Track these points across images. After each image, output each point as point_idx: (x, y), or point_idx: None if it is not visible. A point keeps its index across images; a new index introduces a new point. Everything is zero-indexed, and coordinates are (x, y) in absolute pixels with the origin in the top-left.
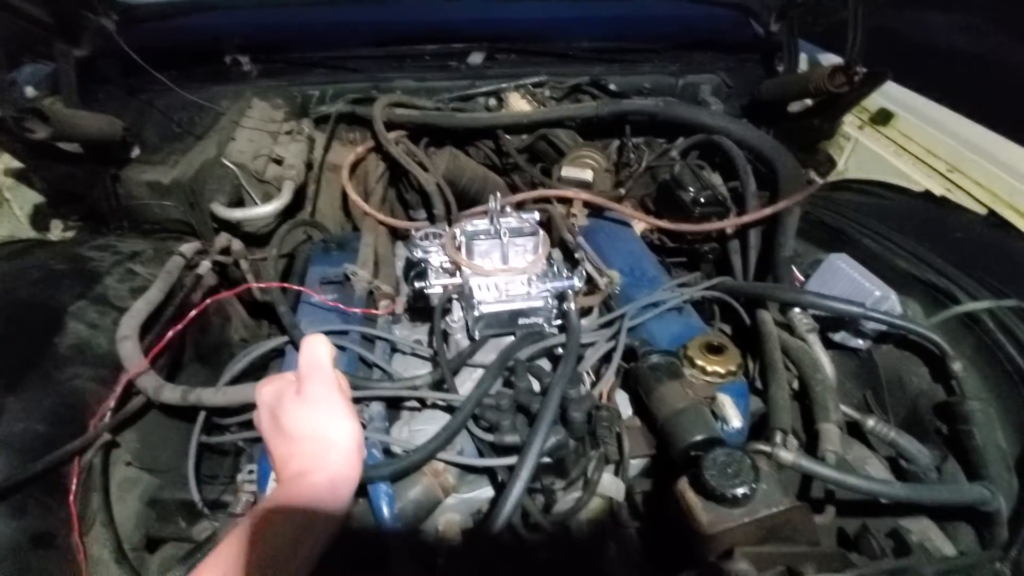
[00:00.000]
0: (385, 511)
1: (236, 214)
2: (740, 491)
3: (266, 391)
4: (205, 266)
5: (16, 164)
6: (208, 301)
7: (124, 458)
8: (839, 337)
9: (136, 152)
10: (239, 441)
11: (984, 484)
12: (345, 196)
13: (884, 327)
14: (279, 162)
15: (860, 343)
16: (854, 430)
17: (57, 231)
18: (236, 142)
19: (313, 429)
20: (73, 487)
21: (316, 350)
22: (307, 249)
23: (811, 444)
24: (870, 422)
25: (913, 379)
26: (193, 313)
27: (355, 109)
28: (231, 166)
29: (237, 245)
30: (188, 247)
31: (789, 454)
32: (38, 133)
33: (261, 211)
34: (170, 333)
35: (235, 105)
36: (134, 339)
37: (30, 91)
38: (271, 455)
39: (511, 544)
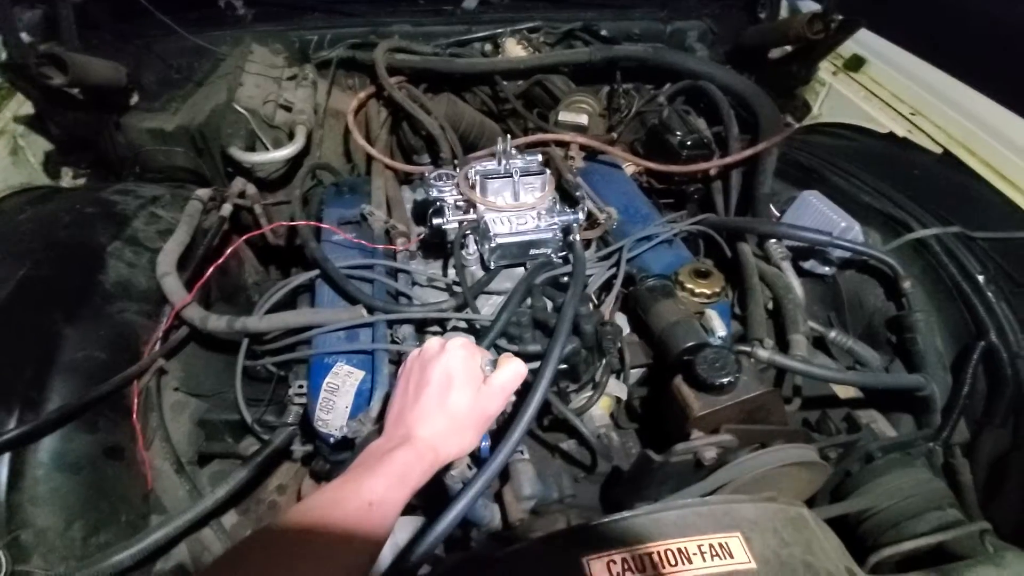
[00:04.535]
0: None
1: (255, 158)
2: (726, 379)
3: (459, 354)
4: (227, 208)
5: (26, 112)
6: (242, 239)
7: (172, 384)
8: (808, 265)
9: (135, 99)
10: (277, 369)
11: (920, 374)
12: (348, 142)
13: (848, 254)
14: (287, 108)
15: (827, 270)
16: (819, 344)
17: (68, 179)
18: (244, 87)
19: (465, 422)
20: (135, 405)
21: (518, 374)
22: (320, 193)
23: (783, 352)
24: (831, 334)
25: (870, 299)
26: (230, 250)
27: (355, 54)
28: (243, 111)
29: (252, 189)
30: (203, 191)
31: (764, 352)
32: (55, 80)
33: (278, 155)
34: (211, 269)
35: (236, 50)
36: (174, 274)
37: (25, 38)
38: (412, 394)
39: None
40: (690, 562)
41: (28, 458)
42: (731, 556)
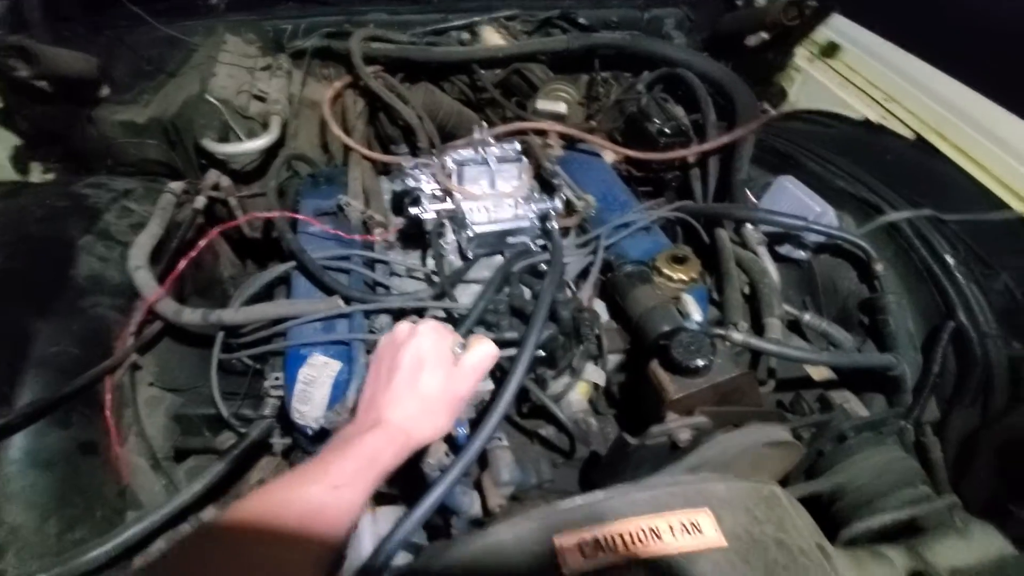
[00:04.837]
0: None
1: (228, 149)
2: (700, 362)
3: (430, 337)
4: (201, 200)
5: None
6: (216, 231)
7: (147, 379)
8: (784, 250)
9: (106, 91)
10: (253, 362)
11: (892, 354)
12: (325, 132)
13: (823, 238)
14: (262, 99)
15: (802, 254)
16: (796, 328)
17: (37, 173)
18: (217, 78)
19: (437, 404)
20: (108, 402)
21: (489, 355)
22: (296, 184)
23: (758, 335)
24: (806, 317)
25: (844, 282)
26: (203, 242)
27: (331, 44)
28: (216, 102)
29: (226, 182)
30: (177, 184)
31: (739, 335)
32: (21, 72)
33: (252, 145)
34: (183, 263)
35: (208, 40)
36: (146, 268)
37: None
38: (384, 378)
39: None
40: (660, 539)
41: (0, 455)
42: (701, 533)
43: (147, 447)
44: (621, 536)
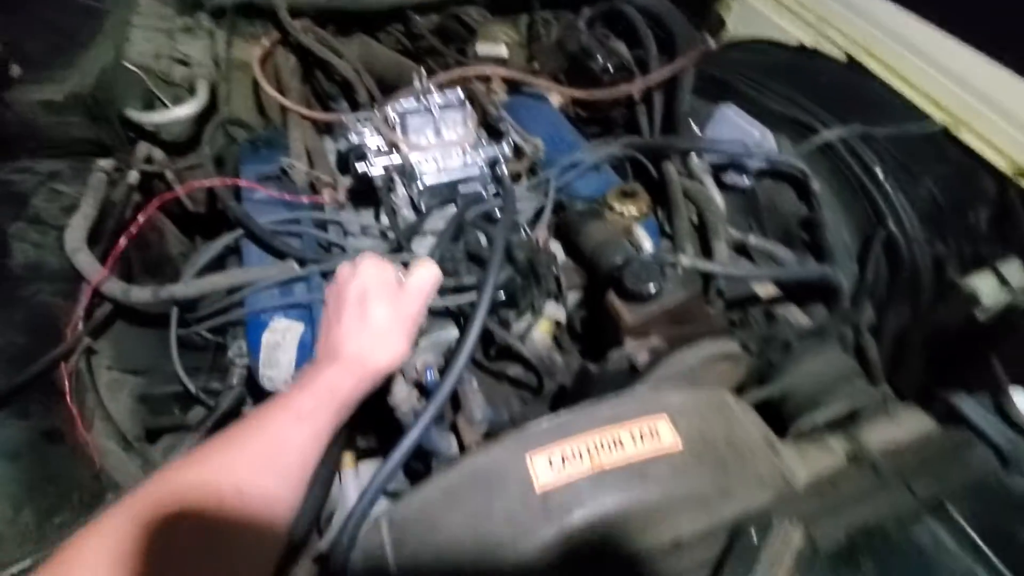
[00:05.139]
0: None
1: (155, 118)
2: (652, 288)
3: (371, 271)
4: (134, 175)
5: None
6: (153, 205)
7: (105, 363)
8: (728, 177)
9: (17, 71)
10: (213, 335)
11: (829, 265)
12: (259, 95)
13: (764, 164)
14: (184, 63)
15: (745, 180)
16: (743, 251)
17: None
18: (133, 43)
19: (389, 330)
20: (67, 387)
21: (432, 275)
22: (235, 150)
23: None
24: (751, 239)
25: (785, 204)
26: (143, 218)
27: None
28: (135, 69)
29: (159, 154)
30: (106, 162)
31: (687, 258)
32: None
33: (180, 112)
34: (123, 240)
35: (119, 3)
36: (85, 250)
37: None
38: (334, 318)
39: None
40: (622, 447)
41: None
42: (659, 437)
43: (115, 430)
44: (586, 446)
